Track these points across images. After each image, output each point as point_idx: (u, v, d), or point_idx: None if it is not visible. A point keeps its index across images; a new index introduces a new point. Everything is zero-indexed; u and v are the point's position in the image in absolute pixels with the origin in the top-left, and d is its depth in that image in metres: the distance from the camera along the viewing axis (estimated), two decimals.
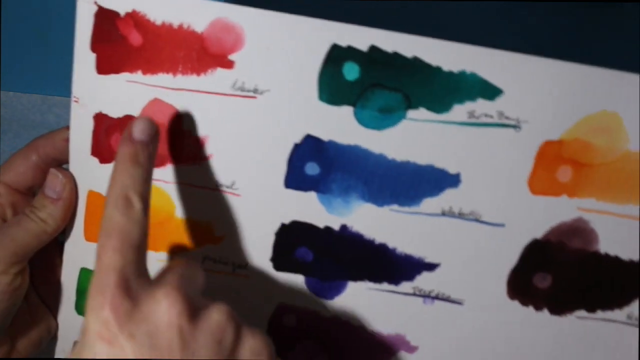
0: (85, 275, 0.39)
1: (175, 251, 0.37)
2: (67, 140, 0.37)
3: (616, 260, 0.34)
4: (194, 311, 0.28)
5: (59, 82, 0.55)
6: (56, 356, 0.41)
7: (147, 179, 0.31)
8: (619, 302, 0.34)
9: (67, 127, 0.37)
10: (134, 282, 0.28)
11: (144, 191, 0.30)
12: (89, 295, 0.28)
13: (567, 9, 0.49)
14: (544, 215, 0.34)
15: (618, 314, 0.35)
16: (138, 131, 0.32)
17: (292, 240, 0.36)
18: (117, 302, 0.27)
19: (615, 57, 0.50)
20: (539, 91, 0.32)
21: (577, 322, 0.35)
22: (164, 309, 0.27)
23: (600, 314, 0.35)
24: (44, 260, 0.40)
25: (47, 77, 0.55)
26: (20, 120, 0.57)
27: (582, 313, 0.35)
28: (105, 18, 0.34)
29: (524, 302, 0.35)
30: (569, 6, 0.49)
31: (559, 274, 0.35)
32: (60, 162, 0.38)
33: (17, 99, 0.56)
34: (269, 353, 0.29)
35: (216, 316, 0.28)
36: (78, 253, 0.39)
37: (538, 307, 0.35)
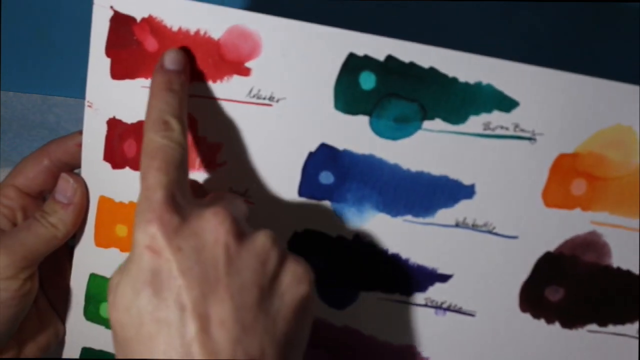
0: (94, 281, 0.39)
1: None
2: (79, 145, 0.37)
3: (628, 274, 0.34)
4: (241, 232, 0.29)
5: (59, 82, 0.55)
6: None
7: (182, 104, 0.31)
8: (631, 316, 0.34)
9: (80, 132, 0.37)
10: (181, 200, 0.28)
11: (181, 114, 0.31)
12: (137, 213, 0.28)
13: (567, 9, 0.49)
14: (557, 228, 0.34)
15: (630, 328, 0.35)
16: (169, 61, 0.32)
17: (305, 248, 0.36)
18: (166, 218, 0.27)
19: (615, 57, 0.50)
20: (555, 104, 0.32)
21: (589, 335, 0.35)
22: (212, 226, 0.28)
23: (612, 328, 0.35)
24: (54, 264, 0.39)
25: (47, 77, 0.55)
26: (20, 120, 0.57)
27: (593, 327, 0.35)
28: (121, 23, 0.34)
29: (536, 315, 0.35)
30: (569, 6, 0.48)
31: (572, 288, 0.35)
32: (72, 166, 0.38)
33: (17, 99, 0.56)
34: (309, 280, 0.30)
35: (262, 239, 0.29)
36: (88, 258, 0.39)
37: (549, 320, 0.35)
